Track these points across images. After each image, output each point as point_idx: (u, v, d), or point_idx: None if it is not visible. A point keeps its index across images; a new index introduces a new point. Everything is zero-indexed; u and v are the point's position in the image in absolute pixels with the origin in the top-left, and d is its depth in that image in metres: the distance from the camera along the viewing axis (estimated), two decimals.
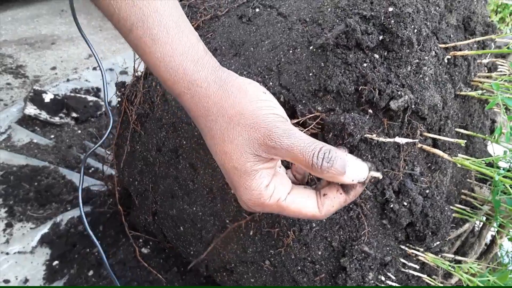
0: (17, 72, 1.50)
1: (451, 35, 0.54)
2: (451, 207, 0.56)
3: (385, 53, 0.47)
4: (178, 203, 0.64)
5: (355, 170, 0.34)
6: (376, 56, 0.47)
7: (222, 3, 0.69)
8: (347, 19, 0.48)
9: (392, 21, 0.46)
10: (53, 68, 1.54)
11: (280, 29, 0.57)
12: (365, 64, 0.47)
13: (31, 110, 1.22)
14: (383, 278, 0.48)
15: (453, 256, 0.53)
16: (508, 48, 0.53)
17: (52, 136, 1.20)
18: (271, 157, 0.36)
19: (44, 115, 1.24)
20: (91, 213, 0.94)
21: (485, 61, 0.61)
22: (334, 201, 0.37)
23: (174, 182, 0.63)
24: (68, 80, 1.43)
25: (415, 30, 0.47)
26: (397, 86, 0.46)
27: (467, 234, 0.63)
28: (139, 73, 0.70)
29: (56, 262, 0.87)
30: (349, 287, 0.47)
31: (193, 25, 0.66)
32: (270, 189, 0.36)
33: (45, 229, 0.93)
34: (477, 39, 0.52)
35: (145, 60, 0.38)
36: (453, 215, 0.57)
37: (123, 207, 0.84)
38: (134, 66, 0.71)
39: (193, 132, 0.59)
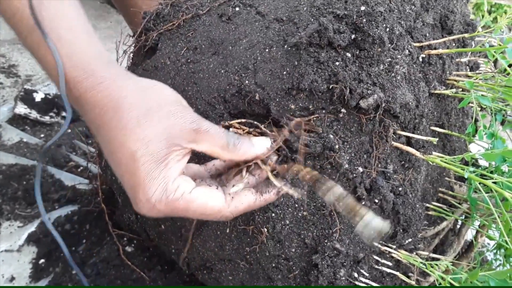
0: (9, 71, 1.51)
1: (427, 34, 0.55)
2: (428, 205, 0.56)
3: (357, 52, 0.47)
4: None
5: (261, 141, 0.40)
6: (348, 55, 0.47)
7: (204, 2, 0.69)
8: (320, 18, 0.48)
9: (364, 20, 0.46)
10: None
11: (258, 28, 0.57)
12: (337, 63, 0.47)
13: (21, 109, 1.23)
14: (356, 275, 0.48)
15: (432, 255, 0.54)
16: (482, 46, 0.53)
17: (42, 135, 1.20)
18: (189, 148, 0.36)
19: (34, 114, 1.24)
20: (78, 211, 0.94)
21: (464, 59, 0.61)
22: (244, 198, 0.37)
23: None
24: None
25: (387, 29, 0.47)
26: (368, 84, 0.46)
27: (447, 232, 0.63)
28: None
29: (42, 261, 0.87)
30: (341, 286, 0.47)
31: (174, 24, 0.66)
32: (176, 183, 0.35)
33: (32, 227, 0.93)
34: (451, 37, 0.53)
35: (44, 61, 0.38)
36: (431, 213, 0.58)
37: (109, 205, 0.84)
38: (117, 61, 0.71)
39: None
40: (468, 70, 0.65)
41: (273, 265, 0.50)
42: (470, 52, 0.66)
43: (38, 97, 1.28)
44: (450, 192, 0.59)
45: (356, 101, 0.45)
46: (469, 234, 0.71)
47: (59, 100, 1.26)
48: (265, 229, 0.49)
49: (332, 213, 0.47)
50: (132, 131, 0.34)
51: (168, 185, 0.34)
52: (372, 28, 0.46)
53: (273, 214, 0.48)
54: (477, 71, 0.65)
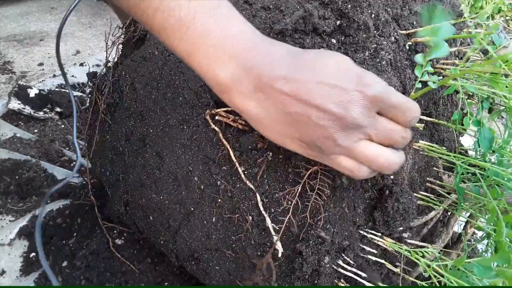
0: (4, 68, 1.51)
1: (414, 22, 0.54)
2: (416, 194, 0.56)
3: (342, 38, 0.47)
4: (146, 193, 0.64)
5: None
6: (334, 41, 0.47)
7: None
8: (305, 4, 0.48)
9: (349, 6, 0.46)
10: (40, 64, 1.54)
11: (245, 16, 0.56)
12: (322, 49, 0.47)
13: (15, 104, 1.22)
14: (341, 263, 0.48)
15: (417, 243, 0.53)
16: (469, 33, 0.53)
17: (36, 131, 1.20)
18: None
19: (28, 109, 1.24)
20: (70, 205, 0.94)
21: (453, 49, 0.61)
22: None
23: (142, 171, 0.63)
24: (54, 75, 1.43)
25: (372, 15, 0.47)
26: None
27: (436, 223, 0.63)
28: (111, 63, 0.70)
29: (33, 254, 0.86)
30: (338, 287, 0.47)
31: None
32: None
33: (24, 221, 0.93)
34: (438, 24, 0.52)
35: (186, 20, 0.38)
36: (418, 202, 0.57)
37: (100, 199, 0.84)
38: (106, 56, 0.71)
39: (159, 120, 0.59)
40: (459, 58, 0.65)
41: (259, 253, 0.50)
42: (459, 42, 0.66)
43: (32, 92, 1.28)
44: (439, 182, 0.58)
45: None
46: (461, 225, 0.71)
47: (53, 95, 1.26)
48: (250, 217, 0.49)
49: (317, 200, 0.47)
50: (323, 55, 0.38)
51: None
52: (357, 14, 0.46)
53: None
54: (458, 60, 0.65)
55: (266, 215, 0.47)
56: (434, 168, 0.61)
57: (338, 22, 0.47)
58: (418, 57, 0.44)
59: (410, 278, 0.52)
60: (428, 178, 0.58)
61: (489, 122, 0.60)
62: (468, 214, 0.65)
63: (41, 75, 1.47)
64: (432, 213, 0.58)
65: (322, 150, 0.38)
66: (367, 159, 0.38)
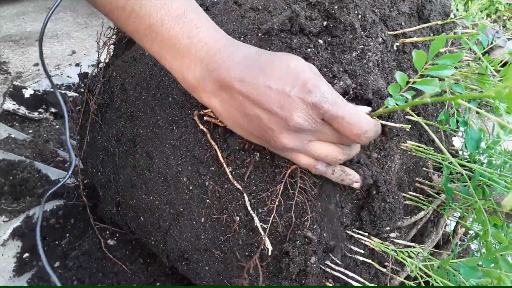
0: (0, 68, 1.51)
1: (403, 23, 0.54)
2: (404, 194, 0.56)
3: (329, 39, 0.47)
4: (137, 193, 0.64)
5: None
6: (320, 41, 0.47)
7: None
8: (292, 5, 0.48)
9: (336, 7, 0.46)
10: (36, 65, 1.54)
11: (234, 17, 0.57)
12: (309, 49, 0.47)
13: (10, 105, 1.22)
14: (328, 263, 0.48)
15: (405, 242, 0.53)
16: (454, 33, 0.53)
17: (30, 131, 1.20)
18: None
19: (23, 110, 1.24)
20: (63, 206, 0.94)
21: (442, 50, 0.61)
22: None
23: (133, 172, 0.63)
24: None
25: (359, 16, 0.47)
26: (340, 71, 0.46)
27: (426, 223, 0.63)
28: (102, 64, 0.70)
29: (26, 255, 0.87)
30: (326, 286, 0.47)
31: None
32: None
33: (17, 222, 0.93)
34: (425, 25, 0.53)
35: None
36: (408, 202, 0.58)
37: (93, 199, 0.84)
38: (98, 56, 0.71)
39: (149, 120, 0.59)
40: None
41: (246, 253, 0.50)
42: (450, 43, 0.66)
43: (27, 93, 1.28)
44: (427, 182, 0.58)
45: None
46: (453, 225, 0.71)
47: (48, 96, 1.26)
48: (238, 218, 0.49)
49: (304, 201, 0.47)
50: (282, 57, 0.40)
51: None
52: (344, 15, 0.46)
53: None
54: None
55: (254, 215, 0.48)
56: (424, 168, 0.61)
57: (325, 23, 0.47)
58: (398, 75, 0.40)
59: (399, 278, 0.52)
60: (417, 178, 0.58)
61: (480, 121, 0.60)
62: (459, 214, 0.65)
63: (36, 76, 1.47)
64: (421, 213, 0.58)
65: (279, 149, 0.42)
66: (319, 158, 0.41)
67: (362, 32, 0.48)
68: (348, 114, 0.37)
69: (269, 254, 0.44)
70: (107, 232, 0.80)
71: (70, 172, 0.76)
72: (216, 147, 0.50)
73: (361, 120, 0.38)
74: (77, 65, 1.51)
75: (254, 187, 0.49)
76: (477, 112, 0.55)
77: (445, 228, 0.71)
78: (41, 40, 0.56)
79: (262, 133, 0.40)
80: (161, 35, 0.40)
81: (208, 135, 0.51)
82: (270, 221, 0.45)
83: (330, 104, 0.36)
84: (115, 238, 0.79)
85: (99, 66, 0.70)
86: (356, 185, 0.45)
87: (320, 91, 0.36)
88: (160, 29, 0.39)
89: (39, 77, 1.43)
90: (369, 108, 0.43)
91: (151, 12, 0.39)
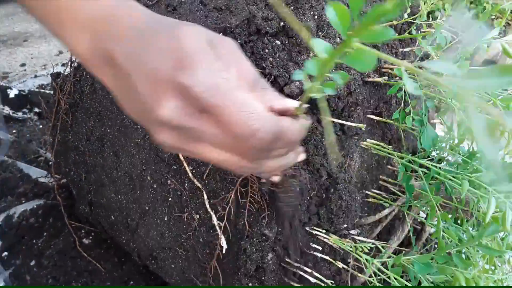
0: None
1: None
2: (367, 192, 0.57)
3: (287, 40, 0.48)
4: (106, 192, 0.64)
5: None
6: (278, 42, 0.48)
7: None
8: (250, 6, 0.49)
9: (291, 8, 0.47)
10: (22, 65, 1.55)
11: (199, 17, 0.57)
12: (266, 50, 0.47)
13: None
14: (288, 259, 0.48)
15: (364, 239, 0.54)
16: (410, 33, 0.53)
17: (14, 131, 1.21)
18: None
19: (7, 110, 1.24)
20: (43, 205, 0.94)
21: (407, 49, 0.62)
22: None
23: (102, 171, 0.64)
24: (36, 76, 1.44)
25: (316, 16, 0.48)
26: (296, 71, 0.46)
27: (392, 220, 0.64)
28: (76, 64, 0.70)
29: (5, 253, 0.87)
30: (293, 286, 0.48)
31: None
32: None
33: None
34: (385, 24, 0.53)
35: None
36: (371, 200, 0.58)
37: (70, 198, 0.85)
38: (70, 56, 0.71)
39: (116, 120, 0.60)
40: (418, 60, 0.66)
41: (208, 251, 0.51)
42: (417, 42, 0.66)
43: (12, 93, 1.28)
44: (391, 180, 0.59)
45: (280, 88, 0.45)
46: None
47: (32, 96, 1.27)
48: (197, 215, 0.50)
49: (261, 199, 0.48)
50: (174, 28, 0.29)
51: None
52: (299, 15, 0.46)
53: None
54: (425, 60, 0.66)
55: (212, 213, 0.48)
56: (389, 167, 0.61)
57: (282, 24, 0.48)
58: (296, 74, 0.32)
59: (359, 275, 0.53)
60: (381, 176, 0.59)
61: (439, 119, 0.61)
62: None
63: (22, 76, 1.48)
64: (386, 211, 0.59)
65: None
66: (218, 164, 0.32)
67: (320, 33, 0.49)
68: (231, 105, 0.26)
69: (223, 252, 0.45)
70: (83, 231, 0.80)
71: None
72: None
73: (251, 116, 0.26)
74: (63, 65, 1.51)
75: (214, 185, 0.49)
76: (436, 111, 0.56)
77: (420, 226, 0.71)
78: None
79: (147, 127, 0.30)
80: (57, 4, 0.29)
81: None
82: (225, 219, 0.46)
83: (204, 88, 0.26)
84: (90, 237, 0.80)
85: (72, 65, 0.71)
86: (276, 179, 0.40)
87: (197, 68, 0.26)
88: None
89: (25, 77, 1.43)
90: (297, 102, 0.31)
91: None
